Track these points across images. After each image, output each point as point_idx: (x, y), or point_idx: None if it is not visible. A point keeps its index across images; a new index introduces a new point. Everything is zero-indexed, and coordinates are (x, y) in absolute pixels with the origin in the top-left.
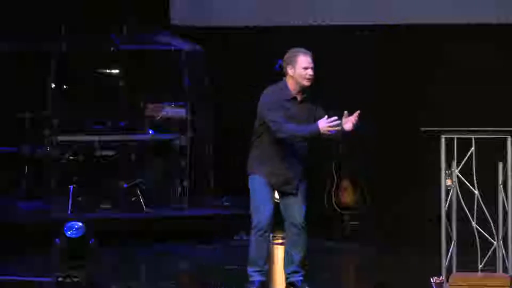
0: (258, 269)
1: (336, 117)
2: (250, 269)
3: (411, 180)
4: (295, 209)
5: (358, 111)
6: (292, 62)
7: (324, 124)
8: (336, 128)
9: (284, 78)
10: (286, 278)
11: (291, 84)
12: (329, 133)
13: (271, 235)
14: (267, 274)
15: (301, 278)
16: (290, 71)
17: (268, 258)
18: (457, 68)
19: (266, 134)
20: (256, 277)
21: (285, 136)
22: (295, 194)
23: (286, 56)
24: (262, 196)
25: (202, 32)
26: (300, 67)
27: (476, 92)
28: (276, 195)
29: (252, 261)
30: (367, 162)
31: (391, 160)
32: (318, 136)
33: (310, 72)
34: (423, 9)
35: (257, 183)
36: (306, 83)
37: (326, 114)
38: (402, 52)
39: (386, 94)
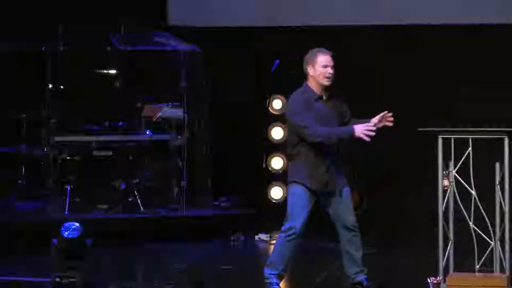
0: (276, 272)
1: (373, 123)
2: (267, 271)
3: (409, 180)
4: (343, 210)
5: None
6: (312, 62)
7: (362, 128)
8: (372, 134)
9: (304, 81)
10: (353, 279)
11: (313, 85)
12: (365, 138)
13: (297, 241)
14: (282, 279)
15: (366, 277)
16: (310, 71)
17: (289, 263)
18: (458, 68)
19: (301, 142)
20: (272, 280)
21: (321, 140)
22: (340, 197)
23: (305, 57)
24: (300, 202)
25: (200, 33)
26: (320, 66)
27: (477, 91)
28: None
29: (272, 263)
30: (364, 162)
31: (388, 160)
32: (351, 139)
33: (329, 70)
34: (423, 9)
35: (296, 191)
36: (326, 82)
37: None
38: (404, 52)
39: (383, 95)
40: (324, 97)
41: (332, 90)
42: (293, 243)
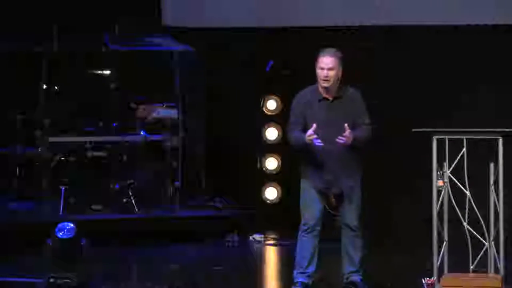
0: (300, 270)
1: (313, 129)
2: (294, 271)
3: (403, 181)
4: (346, 210)
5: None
6: (316, 62)
7: (307, 135)
8: (318, 142)
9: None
10: (346, 278)
11: (319, 85)
12: (313, 143)
13: (314, 236)
14: (312, 276)
15: (360, 277)
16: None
17: (313, 260)
18: (455, 69)
19: None
20: (298, 279)
21: (291, 143)
22: (346, 198)
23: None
24: (309, 196)
25: (194, 33)
26: (318, 67)
27: (474, 93)
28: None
29: (296, 262)
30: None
31: (382, 160)
32: (306, 146)
33: (324, 73)
34: (422, 10)
35: (305, 185)
36: (322, 83)
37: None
38: (401, 54)
39: (379, 96)
40: (330, 99)
41: (345, 91)
42: (310, 238)
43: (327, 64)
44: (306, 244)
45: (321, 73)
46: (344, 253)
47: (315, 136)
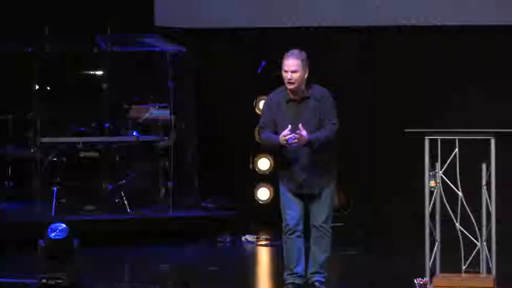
0: (289, 272)
1: (289, 129)
2: (284, 273)
3: (395, 181)
4: (315, 211)
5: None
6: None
7: (281, 135)
8: (294, 141)
9: None
10: (308, 279)
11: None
12: (287, 144)
13: (297, 236)
14: (303, 276)
15: (321, 279)
16: None
17: (300, 261)
18: (453, 70)
19: None
20: (288, 280)
21: (261, 143)
22: (317, 197)
23: None
24: (286, 198)
25: (187, 34)
26: (283, 70)
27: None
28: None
29: (285, 265)
30: (351, 163)
31: (375, 160)
32: (278, 146)
33: (288, 76)
34: (421, 9)
35: (281, 188)
36: (288, 86)
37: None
38: (402, 54)
39: (369, 96)
40: (297, 99)
41: (314, 91)
42: (293, 239)
43: (290, 67)
44: (290, 245)
45: (286, 76)
46: (310, 252)
47: (289, 136)
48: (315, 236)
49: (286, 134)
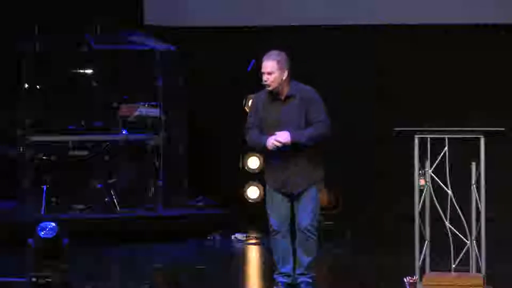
0: (277, 272)
1: (280, 134)
2: (274, 273)
3: (385, 180)
4: (299, 212)
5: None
6: None
7: (271, 139)
8: (277, 144)
9: None
10: (295, 279)
11: None
12: (274, 147)
13: (282, 236)
14: (292, 276)
15: (308, 280)
16: None
17: (287, 260)
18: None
19: None
20: (278, 279)
21: (248, 143)
22: (301, 197)
23: None
24: (270, 199)
25: (176, 32)
26: (261, 72)
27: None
28: None
29: (274, 265)
30: (340, 163)
31: (364, 160)
32: (265, 148)
33: (264, 77)
34: (420, 9)
35: (266, 189)
36: (266, 87)
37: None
38: (401, 53)
39: (362, 96)
40: (282, 99)
41: (298, 90)
42: (278, 239)
43: (265, 68)
44: (277, 245)
45: (263, 77)
46: (296, 254)
47: (271, 144)
48: (299, 239)
49: (270, 145)
